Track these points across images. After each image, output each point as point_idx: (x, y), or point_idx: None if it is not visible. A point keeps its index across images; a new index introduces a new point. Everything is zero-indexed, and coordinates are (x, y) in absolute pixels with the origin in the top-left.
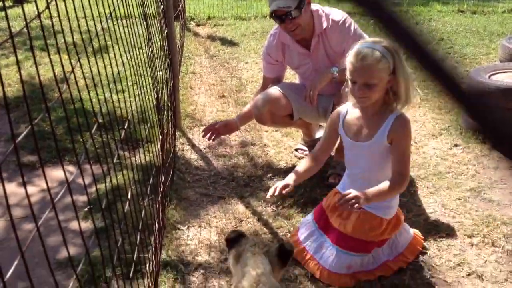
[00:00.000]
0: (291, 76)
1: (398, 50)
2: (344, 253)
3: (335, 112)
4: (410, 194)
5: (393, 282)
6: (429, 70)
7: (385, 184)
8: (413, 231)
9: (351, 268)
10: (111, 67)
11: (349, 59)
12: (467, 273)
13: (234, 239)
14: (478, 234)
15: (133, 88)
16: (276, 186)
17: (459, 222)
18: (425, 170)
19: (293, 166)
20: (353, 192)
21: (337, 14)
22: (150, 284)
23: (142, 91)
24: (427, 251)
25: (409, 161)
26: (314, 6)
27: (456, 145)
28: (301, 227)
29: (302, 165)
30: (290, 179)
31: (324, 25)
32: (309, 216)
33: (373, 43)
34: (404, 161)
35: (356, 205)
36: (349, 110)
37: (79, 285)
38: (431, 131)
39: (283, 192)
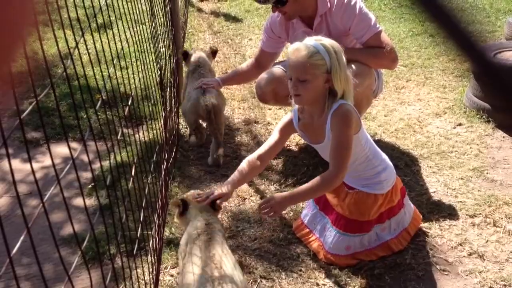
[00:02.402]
0: None
1: (338, 51)
2: (342, 235)
3: (288, 118)
4: (412, 174)
5: (395, 261)
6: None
7: (314, 181)
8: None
9: (350, 248)
10: (115, 43)
11: (287, 55)
12: (468, 253)
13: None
14: (480, 214)
15: (136, 64)
16: (210, 193)
17: (461, 201)
18: (428, 149)
19: (296, 144)
20: (270, 201)
21: None
22: (154, 261)
23: (145, 68)
24: (429, 231)
25: (347, 152)
26: None
27: (459, 124)
28: (304, 210)
29: (245, 167)
30: (229, 186)
31: (328, 5)
32: (310, 201)
33: (313, 40)
34: (339, 152)
35: (272, 213)
36: (300, 115)
37: (83, 261)
38: (435, 110)
39: (218, 202)
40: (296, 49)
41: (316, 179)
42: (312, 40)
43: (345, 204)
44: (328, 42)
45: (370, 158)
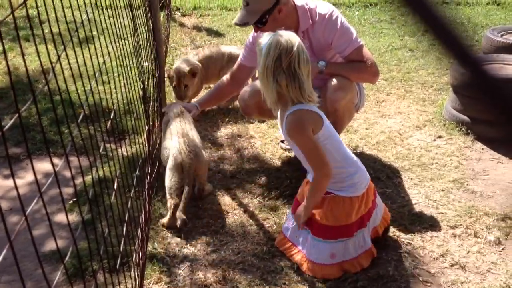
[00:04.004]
0: None
1: (275, 52)
2: (323, 243)
3: None
4: (394, 185)
5: (378, 273)
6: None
7: (310, 189)
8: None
9: (335, 256)
10: (97, 58)
11: None
12: (450, 264)
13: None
14: (461, 225)
15: (118, 79)
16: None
17: (442, 213)
18: (409, 161)
19: (279, 158)
20: (297, 220)
21: (324, 7)
22: (137, 277)
23: (128, 82)
24: (411, 242)
25: (315, 153)
26: (299, 1)
27: (439, 137)
28: (285, 223)
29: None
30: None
31: (310, 21)
32: (289, 213)
33: (272, 34)
34: (309, 157)
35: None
36: None
37: (66, 277)
38: (415, 122)
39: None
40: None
41: (310, 186)
42: (270, 35)
43: (323, 211)
44: (275, 41)
45: (338, 159)
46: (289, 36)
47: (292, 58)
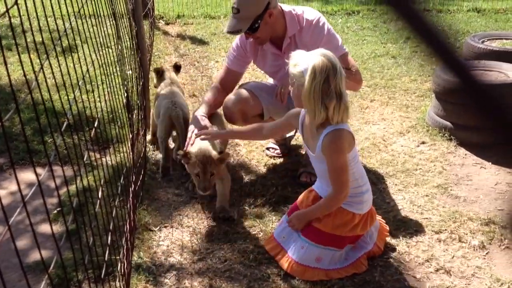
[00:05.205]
0: (262, 76)
1: (321, 75)
2: (313, 246)
3: (296, 110)
4: (379, 192)
5: (364, 279)
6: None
7: (321, 202)
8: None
9: (320, 260)
10: (80, 66)
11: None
12: (435, 269)
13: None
14: (445, 230)
15: (102, 87)
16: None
17: (427, 218)
18: (393, 167)
19: (265, 165)
20: (291, 219)
21: (311, 13)
22: (122, 286)
23: (112, 91)
24: (397, 247)
25: (343, 174)
26: (286, 7)
27: (423, 143)
28: (277, 227)
29: (250, 126)
30: (227, 133)
31: (297, 27)
32: (284, 217)
33: (317, 54)
34: (335, 176)
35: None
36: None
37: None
38: (399, 129)
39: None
40: (294, 53)
41: (323, 200)
42: (315, 54)
43: (324, 217)
44: (321, 63)
45: (357, 177)
46: (329, 54)
47: (337, 78)
